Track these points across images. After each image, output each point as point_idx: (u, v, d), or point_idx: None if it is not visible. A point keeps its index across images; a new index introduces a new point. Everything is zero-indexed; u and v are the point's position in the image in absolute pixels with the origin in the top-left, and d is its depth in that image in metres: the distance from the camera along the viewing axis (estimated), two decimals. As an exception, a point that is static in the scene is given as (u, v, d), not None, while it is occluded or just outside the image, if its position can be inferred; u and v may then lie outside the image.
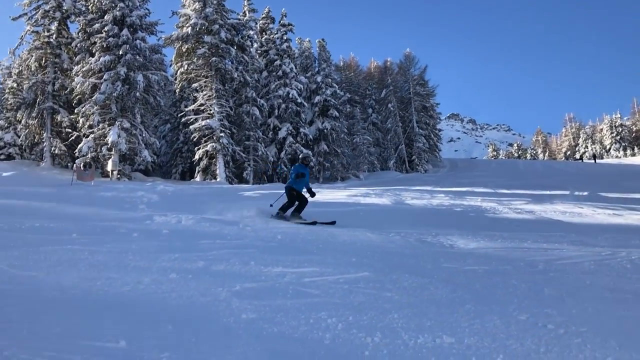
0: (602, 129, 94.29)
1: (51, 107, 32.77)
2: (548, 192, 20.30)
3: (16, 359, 2.37)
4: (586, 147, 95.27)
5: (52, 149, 32.57)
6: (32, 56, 32.87)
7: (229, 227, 8.26)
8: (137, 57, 31.00)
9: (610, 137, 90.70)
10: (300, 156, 12.33)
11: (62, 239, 6.08)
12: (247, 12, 42.72)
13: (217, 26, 34.43)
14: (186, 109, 35.22)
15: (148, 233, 7.21)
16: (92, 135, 29.81)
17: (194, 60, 35.13)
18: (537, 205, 14.72)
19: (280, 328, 3.05)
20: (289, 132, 39.81)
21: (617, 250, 6.75)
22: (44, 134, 33.12)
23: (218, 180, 32.46)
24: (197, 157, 33.61)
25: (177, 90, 37.93)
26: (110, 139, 28.98)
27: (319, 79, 44.63)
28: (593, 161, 69.85)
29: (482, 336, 3.04)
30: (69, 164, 32.98)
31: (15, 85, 34.69)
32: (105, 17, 31.11)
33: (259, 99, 37.28)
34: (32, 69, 32.93)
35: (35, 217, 8.22)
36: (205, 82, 34.54)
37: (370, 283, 4.38)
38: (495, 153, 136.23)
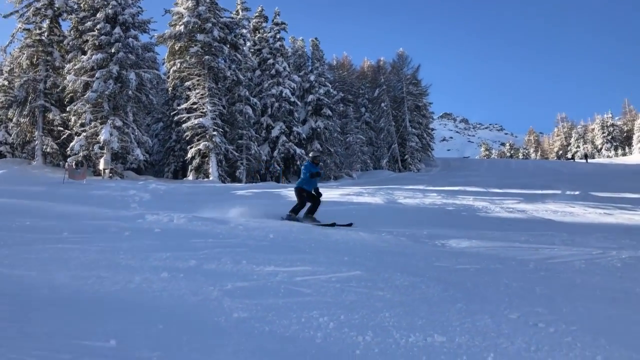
0: (593, 129, 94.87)
1: (43, 105, 32.59)
2: (540, 192, 20.40)
3: (5, 358, 2.35)
4: (578, 146, 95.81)
5: (44, 147, 32.41)
6: (24, 54, 32.68)
7: (221, 226, 8.23)
8: (130, 55, 30.90)
9: (601, 136, 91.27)
10: (310, 155, 11.56)
11: (53, 237, 6.04)
12: (240, 11, 42.68)
13: (210, 24, 34.35)
14: (179, 108, 35.15)
15: (140, 232, 7.17)
16: (84, 134, 29.68)
17: (187, 58, 35.03)
18: (528, 204, 14.79)
19: (271, 327, 3.04)
20: (282, 131, 39.79)
21: (608, 250, 6.79)
22: (36, 133, 32.94)
23: (211, 179, 32.41)
24: (189, 155, 33.53)
25: (170, 89, 37.82)
26: (102, 137, 28.88)
27: (312, 77, 44.63)
28: (585, 161, 70.27)
29: (473, 335, 3.05)
30: (60, 163, 32.81)
31: (6, 83, 34.44)
32: (98, 15, 30.99)
33: (252, 98, 37.23)
34: (24, 67, 32.73)
35: (26, 216, 8.16)
36: (198, 80, 34.45)
37: (362, 282, 4.37)
38: (487, 152, 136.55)
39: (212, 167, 33.03)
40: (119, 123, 29.70)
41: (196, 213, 10.10)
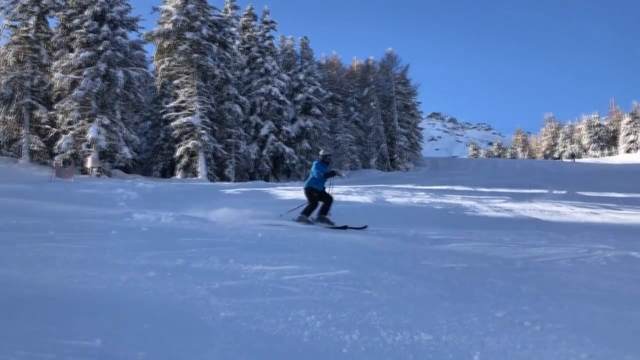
0: (580, 129, 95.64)
1: (29, 103, 32.26)
2: (527, 191, 20.55)
3: (-12, 358, 2.33)
4: (565, 146, 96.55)
5: (31, 145, 32.09)
6: (10, 51, 32.31)
7: (209, 225, 8.22)
8: (118, 53, 30.72)
9: (588, 136, 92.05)
10: (320, 153, 10.97)
11: (39, 236, 5.99)
12: (229, 9, 42.57)
13: (198, 23, 34.23)
14: (167, 106, 34.98)
15: (127, 230, 7.13)
16: (71, 132, 29.48)
17: (175, 56, 34.90)
18: (516, 203, 14.89)
19: (258, 326, 3.03)
20: (271, 129, 39.75)
21: (594, 248, 6.86)
22: (22, 130, 32.60)
23: (199, 177, 32.31)
24: (177, 154, 33.42)
25: (158, 87, 37.66)
26: (89, 135, 28.69)
27: (301, 76, 44.61)
28: (571, 160, 70.89)
29: (460, 333, 3.06)
30: (47, 161, 32.50)
31: (-8, 80, 34.09)
32: (85, 13, 30.77)
33: (240, 96, 37.15)
34: (10, 64, 32.36)
35: (11, 214, 8.10)
36: (186, 78, 34.32)
37: (349, 281, 4.38)
38: (475, 152, 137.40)
39: (201, 166, 32.92)
40: (106, 121, 29.53)
41: (184, 212, 10.07)
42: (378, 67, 59.37)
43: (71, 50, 31.00)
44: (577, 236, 8.48)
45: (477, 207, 13.78)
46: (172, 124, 33.49)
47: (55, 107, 30.36)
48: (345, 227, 9.48)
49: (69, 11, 31.68)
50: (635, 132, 79.81)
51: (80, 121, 29.69)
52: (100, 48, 29.94)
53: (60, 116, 30.30)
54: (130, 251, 5.34)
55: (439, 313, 3.49)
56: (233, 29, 40.09)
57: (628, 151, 78.79)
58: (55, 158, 28.96)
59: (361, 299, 3.79)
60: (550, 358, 2.71)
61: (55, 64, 30.78)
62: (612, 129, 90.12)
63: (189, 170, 33.87)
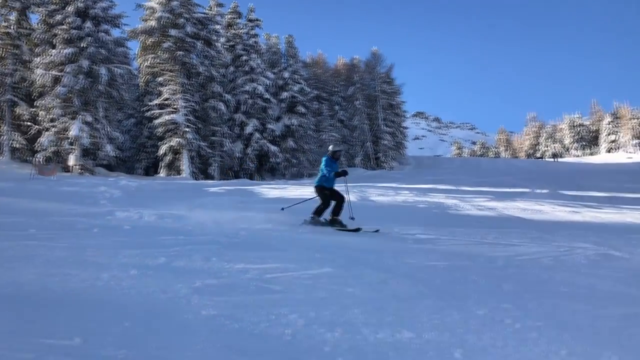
0: (562, 129, 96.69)
1: (11, 99, 31.75)
2: (510, 190, 20.73)
3: (-36, 358, 2.30)
4: (547, 146, 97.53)
5: (12, 142, 31.62)
6: (-10, 47, 31.86)
7: (192, 223, 8.18)
8: (101, 50, 30.39)
9: (570, 136, 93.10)
10: (330, 148, 10.08)
11: (19, 234, 5.92)
12: (213, 7, 42.33)
13: (182, 20, 34.00)
14: (151, 104, 34.67)
15: (109, 229, 7.09)
16: (53, 129, 29.11)
17: (159, 54, 34.62)
18: (498, 202, 15.01)
19: (240, 324, 3.03)
20: (256, 128, 39.62)
21: (575, 247, 6.94)
22: (3, 127, 32.07)
23: (183, 175, 32.12)
24: (161, 152, 33.18)
25: (142, 84, 37.33)
26: (72, 133, 28.37)
27: (286, 75, 44.52)
28: (553, 160, 71.65)
29: (441, 331, 3.08)
30: (28, 158, 32.05)
31: (-28, 76, 33.55)
32: (68, 9, 30.35)
33: (225, 94, 36.98)
34: (-10, 60, 31.91)
35: (-9, 212, 7.99)
36: (170, 76, 34.08)
37: (333, 279, 4.39)
38: (459, 151, 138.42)
39: (185, 164, 32.74)
40: (89, 118, 29.22)
41: (167, 210, 10.01)
42: (363, 66, 59.46)
43: (53, 47, 30.57)
44: (559, 234, 8.58)
45: (460, 206, 13.88)
46: (156, 121, 33.23)
47: (37, 104, 29.93)
48: (358, 230, 8.76)
49: (51, 7, 31.23)
50: (616, 132, 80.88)
51: (63, 118, 29.32)
52: (83, 45, 29.59)
53: (42, 113, 29.88)
54: (112, 249, 5.30)
55: (421, 311, 3.51)
56: (218, 27, 39.85)
57: (609, 151, 79.82)
58: (37, 155, 28.59)
59: (344, 297, 3.80)
60: (531, 355, 2.74)
61: (36, 60, 30.33)
62: (594, 128, 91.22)
63: (173, 168, 33.65)
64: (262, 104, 40.32)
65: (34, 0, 32.74)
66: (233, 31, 43.17)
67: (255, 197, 16.26)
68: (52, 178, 20.88)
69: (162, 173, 33.64)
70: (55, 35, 30.26)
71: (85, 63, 29.26)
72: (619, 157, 66.87)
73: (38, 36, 31.37)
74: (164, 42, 34.34)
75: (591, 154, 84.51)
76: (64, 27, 29.85)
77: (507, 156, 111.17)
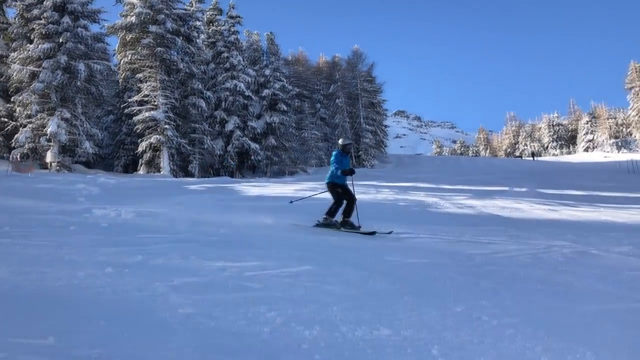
0: (540, 128, 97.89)
1: (-14, 95, 31.28)
2: (488, 188, 20.90)
3: None
4: (526, 144, 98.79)
5: (-13, 139, 31.12)
6: (-35, 41, 31.27)
7: (170, 221, 8.11)
8: (79, 45, 29.97)
9: (548, 135, 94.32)
10: (340, 142, 9.44)
11: (-7, 232, 5.82)
12: (193, 3, 41.97)
13: (162, 16, 33.70)
14: (130, 100, 34.31)
15: (86, 226, 7.00)
16: (30, 125, 28.64)
17: (139, 50, 34.25)
18: (477, 200, 15.13)
19: (217, 322, 3.00)
20: (237, 125, 39.45)
21: (552, 244, 7.02)
22: (-21, 124, 31.59)
23: (162, 173, 31.87)
24: (140, 149, 32.86)
25: (121, 81, 36.89)
26: (49, 129, 27.94)
27: (267, 72, 44.38)
28: (532, 158, 72.44)
29: (419, 328, 3.09)
30: (5, 155, 31.54)
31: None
32: (45, 3, 29.86)
33: (205, 91, 36.75)
34: (-34, 55, 31.31)
35: (-36, 210, 7.84)
36: (150, 72, 33.76)
37: (312, 276, 4.38)
38: (439, 150, 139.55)
39: (164, 161, 32.48)
40: (67, 115, 28.80)
41: (146, 208, 9.92)
42: (344, 64, 59.57)
43: (30, 42, 30.09)
44: (537, 232, 8.67)
45: (439, 204, 13.96)
46: (135, 118, 32.90)
47: (13, 100, 29.45)
48: (374, 233, 8.17)
49: (28, 1, 30.71)
50: (593, 131, 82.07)
51: (40, 114, 28.86)
52: (61, 40, 29.15)
53: (18, 109, 29.40)
54: (89, 247, 5.24)
55: (399, 308, 3.52)
56: (198, 23, 39.55)
57: (586, 150, 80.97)
58: (14, 152, 28.14)
59: (323, 295, 3.79)
60: (507, 352, 2.76)
61: (13, 55, 29.83)
62: (572, 128, 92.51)
63: (152, 165, 33.37)
64: (243, 101, 40.15)
65: (11, -6, 32.24)
66: (214, 28, 42.92)
67: (235, 195, 16.18)
68: (29, 175, 20.57)
69: (142, 170, 33.34)
70: (33, 30, 29.80)
71: (63, 58, 28.83)
72: (596, 156, 67.89)
73: (15, 31, 30.89)
74: (144, 38, 34.00)
75: (569, 152, 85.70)
76: (42, 21, 29.40)
77: (486, 155, 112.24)
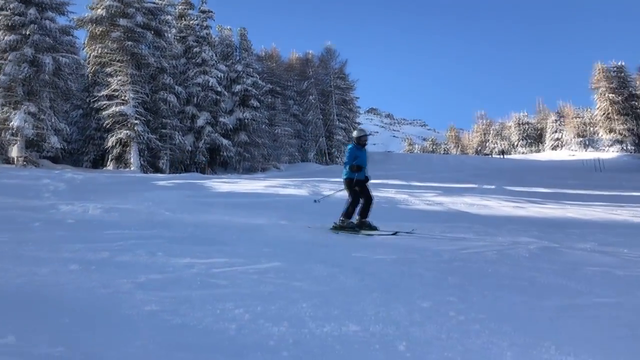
0: (510, 126, 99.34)
1: (-52, 88, 30.34)
2: (458, 185, 21.17)
3: None
4: (495, 143, 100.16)
5: (-51, 132, 30.21)
6: None
7: (138, 217, 8.00)
8: (46, 38, 29.31)
9: (517, 133, 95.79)
10: (354, 134, 8.97)
11: (-48, 228, 5.66)
12: (164, -4, 41.45)
13: (132, 9, 33.20)
14: (99, 95, 33.66)
15: (51, 223, 6.86)
16: (-6, 119, 27.95)
17: (108, 43, 33.66)
18: (447, 197, 15.31)
19: (183, 320, 2.97)
20: (208, 121, 39.10)
21: (518, 241, 7.14)
22: (-60, 117, 30.65)
23: (132, 169, 31.42)
24: (109, 144, 32.33)
25: (90, 75, 36.15)
26: (15, 123, 27.27)
27: (239, 68, 44.09)
28: (501, 156, 73.57)
29: (387, 324, 3.10)
30: (-33, 150, 30.73)
31: None
32: (10, -6, 29.16)
33: (176, 86, 36.34)
34: None
35: None
36: (119, 66, 33.22)
37: (281, 273, 4.36)
38: (410, 147, 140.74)
39: (134, 157, 32.03)
40: (33, 109, 28.16)
41: (113, 204, 9.76)
42: (317, 61, 59.61)
43: (-6, 33, 29.36)
44: (504, 229, 8.81)
45: (409, 201, 14.08)
46: (104, 113, 32.35)
47: (-24, 93, 28.68)
48: (396, 233, 7.79)
49: (-8, -9, 29.96)
50: (560, 130, 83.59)
51: (5, 108, 28.12)
52: (27, 32, 28.46)
53: (-19, 103, 28.65)
54: (54, 244, 5.15)
55: (368, 304, 3.53)
56: (169, 17, 39.03)
57: (553, 148, 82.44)
58: (-24, 147, 27.45)
59: (291, 292, 3.78)
60: (473, 347, 2.79)
61: (-24, 47, 29.05)
62: (539, 126, 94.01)
63: (122, 161, 32.87)
64: (214, 97, 39.82)
65: (-26, -16, 31.33)
66: (185, 22, 42.43)
67: (205, 191, 16.05)
68: (-7, 170, 20.07)
69: (111, 166, 32.81)
70: (-4, 21, 29.03)
71: (29, 51, 28.16)
72: (563, 155, 69.26)
73: (-23, 22, 30.03)
74: (113, 31, 33.44)
75: (537, 151, 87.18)
76: (6, 13, 28.64)
77: (456, 153, 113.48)
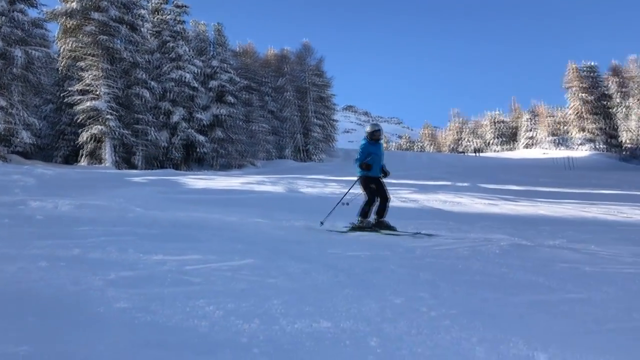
0: (484, 125, 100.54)
1: None
2: (432, 183, 21.36)
3: None
4: (469, 141, 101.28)
5: None
6: None
7: (110, 213, 7.89)
8: (16, 30, 28.72)
9: (491, 132, 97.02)
10: (367, 129, 8.66)
11: None
12: (139, -10, 40.89)
13: (106, 3, 32.70)
14: (71, 89, 33.06)
15: (20, 219, 6.72)
16: (-39, 113, 27.30)
17: (81, 37, 33.08)
18: (421, 194, 15.43)
19: (153, 317, 2.94)
20: (183, 116, 38.71)
21: (490, 237, 7.22)
22: None
23: (105, 165, 30.99)
24: (82, 140, 31.81)
25: (62, 69, 35.48)
26: (-18, 117, 26.71)
27: (214, 63, 43.75)
28: (475, 154, 74.41)
29: (358, 320, 3.11)
30: None
31: None
32: (-22, -15, 28.50)
33: (150, 81, 35.89)
34: None
35: None
36: (92, 61, 32.67)
37: (254, 270, 4.35)
38: (386, 145, 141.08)
39: (107, 153, 31.59)
40: (2, 103, 27.57)
41: (85, 200, 9.61)
42: (293, 58, 59.51)
43: (-39, 25, 28.67)
44: (476, 226, 8.91)
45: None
46: (77, 108, 31.80)
47: (-58, 86, 28.00)
48: (415, 234, 7.51)
49: (-40, -18, 29.23)
50: (534, 128, 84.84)
51: (-28, 102, 27.56)
52: (-4, 24, 27.92)
53: (-52, 96, 27.98)
54: (22, 240, 5.06)
55: (340, 300, 3.54)
56: (143, 11, 38.48)
57: (527, 146, 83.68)
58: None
59: (264, 288, 3.77)
60: (443, 342, 2.81)
61: (-57, 39, 28.34)
62: (513, 125, 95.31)
63: (95, 157, 32.38)
64: (189, 92, 39.45)
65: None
66: (159, 17, 41.92)
67: (179, 187, 15.92)
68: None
69: (83, 162, 32.30)
70: (-35, 12, 28.37)
71: (-2, 43, 27.60)
72: (536, 153, 70.39)
73: (-56, 13, 29.29)
74: (86, 25, 32.86)
75: (510, 149, 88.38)
76: (-25, 4, 28.02)
77: (431, 150, 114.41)
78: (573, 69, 71.52)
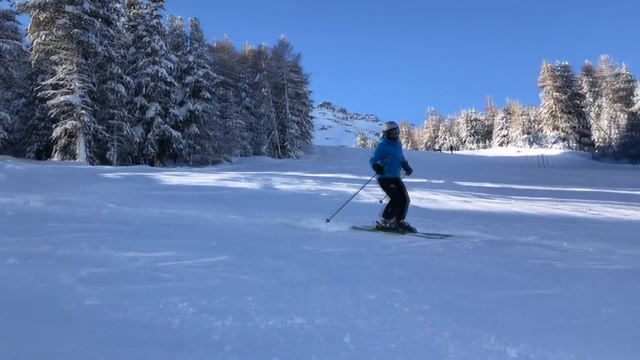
0: (459, 123, 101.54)
1: None
2: (407, 180, 21.39)
3: None
4: (445, 138, 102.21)
5: None
6: None
7: (83, 210, 7.78)
8: (-15, 22, 28.10)
9: (466, 130, 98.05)
10: (384, 127, 8.49)
11: None
12: (114, -16, 40.27)
13: (80, -5, 32.11)
14: (43, 83, 32.41)
15: (-11, 215, 6.59)
16: None
17: (53, 30, 32.40)
18: (397, 191, 15.49)
19: (125, 314, 2.90)
20: (158, 112, 38.30)
21: (464, 234, 7.29)
22: None
23: (79, 160, 30.49)
24: (55, 135, 31.25)
25: (34, 62, 34.76)
26: (-49, 111, 26.08)
27: (190, 58, 43.37)
28: (450, 152, 75.11)
29: (332, 316, 3.11)
30: None
31: None
32: (-53, -25, 27.80)
33: (125, 76, 35.41)
34: None
35: None
36: (65, 55, 32.07)
37: (228, 267, 4.32)
38: (363, 142, 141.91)
39: (80, 148, 31.08)
40: (-29, 96, 27.00)
41: (57, 196, 9.46)
42: (270, 54, 59.33)
43: None
44: (450, 223, 9.00)
45: (360, 195, 14.17)
46: (49, 102, 31.19)
47: None
48: (447, 236, 7.12)
49: None
50: (508, 127, 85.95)
51: (-60, 95, 26.90)
52: (-35, 16, 27.27)
53: None
54: (-10, 237, 4.94)
55: (314, 297, 3.54)
56: (118, 5, 37.87)
57: (501, 144, 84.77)
58: None
59: (238, 285, 3.75)
60: (417, 338, 2.83)
61: None
62: (488, 123, 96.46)
63: (68, 152, 31.83)
64: (164, 88, 39.04)
65: None
66: (135, 11, 41.38)
67: (153, 183, 15.76)
68: None
69: (56, 157, 31.73)
70: None
71: (-33, 36, 26.97)
72: (510, 151, 71.44)
73: None
74: (59, 18, 32.22)
75: (485, 147, 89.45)
76: (-57, -5, 27.33)
77: (407, 148, 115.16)
78: (547, 68, 72.68)
